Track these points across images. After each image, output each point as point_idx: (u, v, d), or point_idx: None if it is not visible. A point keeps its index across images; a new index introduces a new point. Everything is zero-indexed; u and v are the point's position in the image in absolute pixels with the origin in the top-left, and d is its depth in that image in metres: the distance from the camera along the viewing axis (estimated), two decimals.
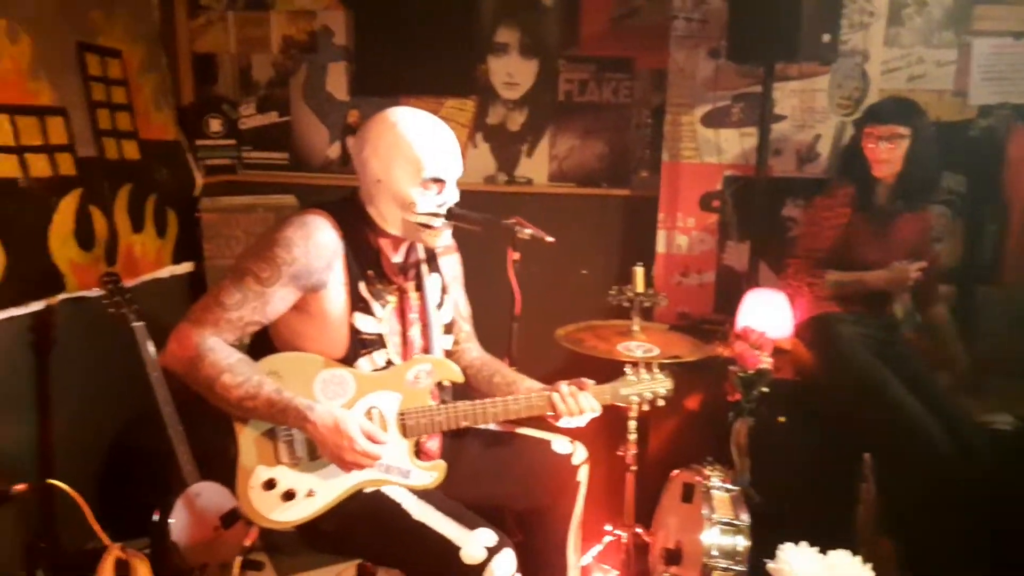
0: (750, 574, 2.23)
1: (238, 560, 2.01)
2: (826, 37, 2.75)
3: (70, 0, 2.86)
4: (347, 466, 1.75)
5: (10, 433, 2.53)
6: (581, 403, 1.89)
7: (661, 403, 2.01)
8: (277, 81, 3.67)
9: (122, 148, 3.12)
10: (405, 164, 1.80)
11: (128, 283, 2.72)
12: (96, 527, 1.78)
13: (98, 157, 2.97)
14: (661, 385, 1.99)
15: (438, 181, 1.84)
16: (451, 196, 1.87)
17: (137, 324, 2.64)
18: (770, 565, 2.05)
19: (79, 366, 2.80)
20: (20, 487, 1.64)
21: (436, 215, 1.84)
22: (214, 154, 3.69)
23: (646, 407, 2.02)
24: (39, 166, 2.68)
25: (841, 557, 2.03)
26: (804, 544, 2.04)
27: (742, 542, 2.25)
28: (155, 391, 2.62)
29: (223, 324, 1.72)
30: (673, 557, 2.39)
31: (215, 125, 3.68)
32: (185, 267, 3.48)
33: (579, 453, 2.06)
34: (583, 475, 2.05)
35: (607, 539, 2.70)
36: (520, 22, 3.46)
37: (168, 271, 3.39)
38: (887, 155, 2.66)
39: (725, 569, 2.21)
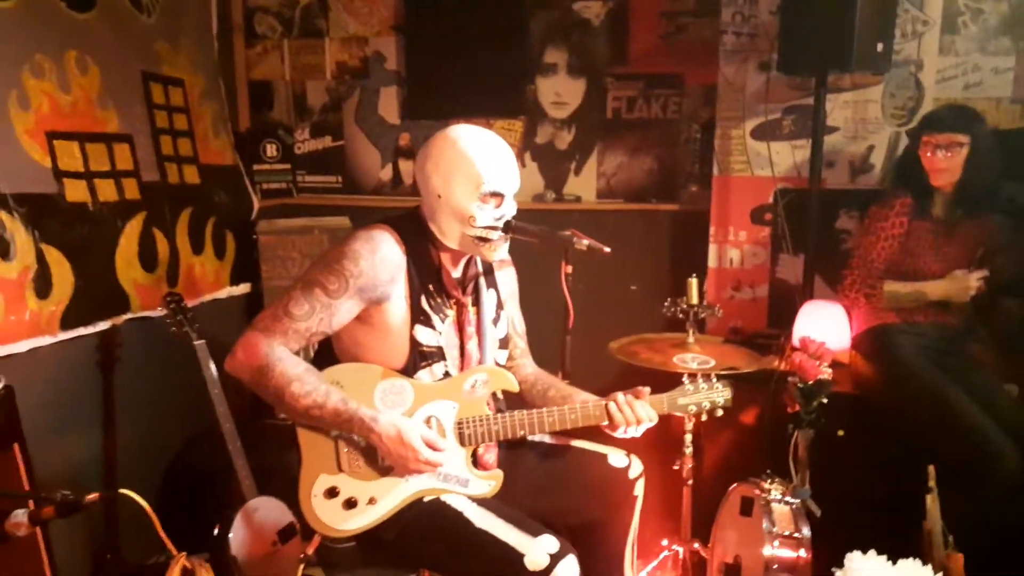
0: None
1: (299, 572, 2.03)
2: (879, 46, 2.72)
3: (137, 32, 2.98)
4: (409, 473, 1.77)
5: (77, 447, 2.61)
6: (638, 412, 1.88)
7: (720, 413, 1.99)
8: (331, 106, 3.77)
9: (183, 173, 3.22)
10: (465, 179, 1.84)
11: (189, 303, 2.79)
12: (163, 536, 1.81)
13: (161, 182, 3.07)
14: (719, 395, 1.98)
15: (496, 195, 1.86)
16: (509, 210, 1.89)
17: (198, 343, 2.70)
18: (838, 574, 2.00)
19: (142, 384, 2.88)
20: (92, 497, 1.67)
21: (494, 228, 1.87)
22: (270, 178, 3.79)
23: (704, 417, 2.00)
24: (106, 191, 2.78)
25: (911, 566, 1.97)
26: (872, 553, 1.99)
27: (804, 555, 2.20)
28: (215, 408, 2.68)
29: (291, 334, 1.76)
30: (732, 571, 2.35)
31: (271, 150, 3.78)
32: (243, 288, 3.56)
33: (635, 467, 2.04)
34: (639, 489, 2.04)
35: (664, 554, 2.67)
36: (568, 42, 3.51)
37: (226, 292, 3.47)
38: (945, 163, 2.61)
39: None
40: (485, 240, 1.88)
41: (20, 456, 2.00)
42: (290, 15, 3.71)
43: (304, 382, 1.73)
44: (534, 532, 1.73)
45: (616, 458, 2.04)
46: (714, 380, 1.98)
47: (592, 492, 1.99)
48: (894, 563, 2.00)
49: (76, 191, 2.65)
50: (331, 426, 1.78)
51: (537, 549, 1.69)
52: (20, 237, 2.40)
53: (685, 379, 1.98)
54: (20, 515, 1.73)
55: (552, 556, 1.68)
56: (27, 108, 2.47)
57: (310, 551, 1.93)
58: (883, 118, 3.10)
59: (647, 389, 1.92)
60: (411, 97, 3.68)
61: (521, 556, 1.69)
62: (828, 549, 2.24)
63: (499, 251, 1.92)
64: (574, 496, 2.00)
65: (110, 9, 2.82)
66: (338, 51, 3.72)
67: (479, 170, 1.83)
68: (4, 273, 2.34)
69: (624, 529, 2.02)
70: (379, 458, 1.82)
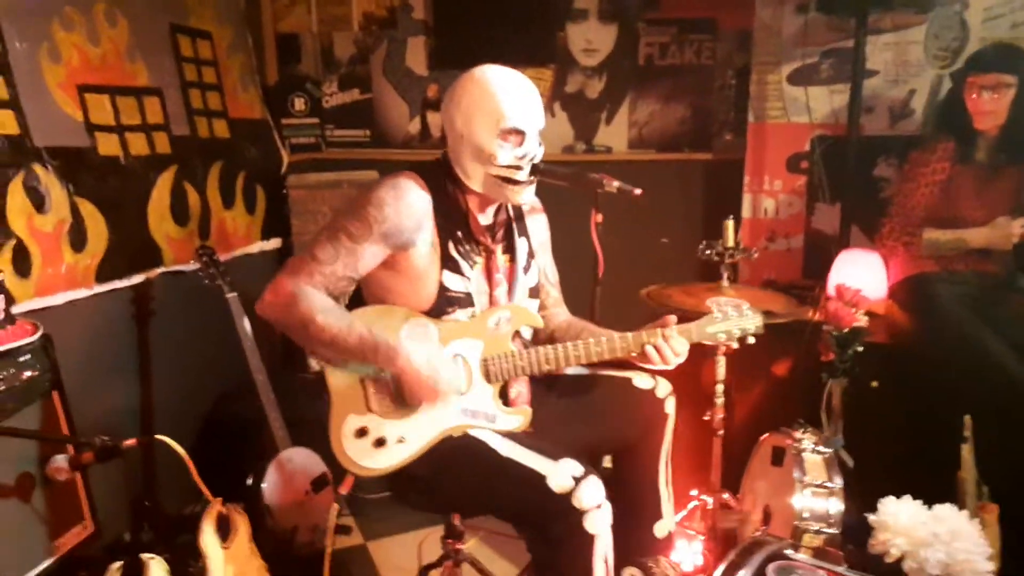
0: (843, 537, 2.16)
1: (333, 517, 2.06)
2: None
3: None
4: (431, 401, 1.79)
5: (114, 398, 2.66)
6: (675, 347, 1.85)
7: (751, 340, 1.94)
8: (358, 58, 3.73)
9: (213, 127, 3.23)
10: (485, 115, 1.83)
11: (220, 257, 2.81)
12: (200, 482, 1.85)
13: (191, 135, 3.08)
14: (750, 322, 1.92)
15: (518, 132, 1.84)
16: (532, 149, 1.86)
17: (231, 295, 2.74)
18: (872, 518, 1.98)
19: (176, 336, 2.92)
20: (129, 442, 1.71)
21: (516, 167, 1.84)
22: (299, 132, 3.78)
23: (735, 345, 1.95)
24: (138, 145, 2.80)
25: (947, 510, 1.95)
26: (907, 497, 1.97)
27: (835, 505, 2.18)
28: (248, 360, 2.71)
29: (317, 276, 1.78)
30: (762, 520, 2.34)
31: (299, 104, 3.77)
32: (274, 243, 3.59)
33: (663, 386, 2.04)
34: (670, 407, 2.03)
35: (693, 504, 2.67)
36: None
37: (258, 246, 3.50)
38: (991, 106, 2.53)
39: (817, 532, 2.14)
40: (508, 180, 1.86)
41: (59, 403, 2.04)
42: None
43: (329, 313, 1.76)
44: (556, 456, 1.75)
45: (641, 380, 2.03)
46: (744, 307, 1.93)
47: (623, 416, 2.00)
48: (930, 507, 1.97)
49: (108, 145, 2.66)
50: (357, 355, 1.78)
51: (560, 472, 1.71)
52: (55, 190, 2.43)
53: (713, 306, 1.93)
54: (60, 460, 1.78)
55: (575, 478, 1.70)
56: (58, 61, 2.48)
57: (344, 490, 1.94)
58: (925, 60, 2.99)
59: (674, 317, 1.89)
60: (439, 47, 3.63)
61: (544, 478, 1.71)
62: (860, 500, 2.22)
63: (523, 193, 1.90)
64: (606, 422, 2.00)
65: None
66: (365, 1, 3.67)
67: (499, 106, 1.82)
68: (40, 226, 2.37)
69: (657, 448, 2.03)
70: (406, 396, 1.83)
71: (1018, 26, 2.88)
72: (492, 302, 1.94)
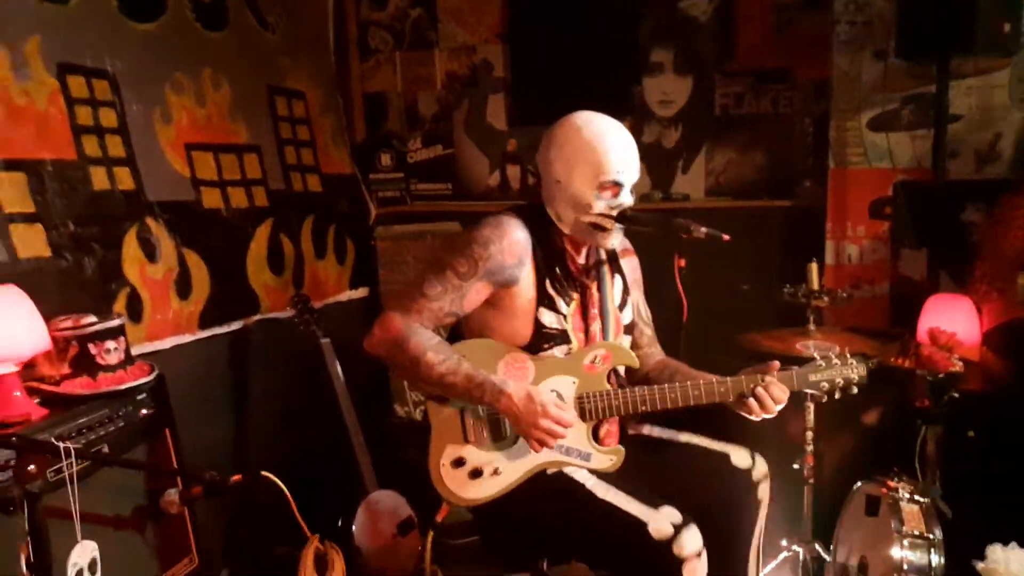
0: None
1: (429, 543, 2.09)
2: (1006, 27, 2.60)
3: (262, 48, 3.17)
4: (537, 436, 1.78)
5: (213, 438, 2.78)
6: (773, 393, 1.82)
7: (854, 391, 1.90)
8: (441, 115, 3.87)
9: (307, 181, 3.39)
10: (586, 166, 1.86)
11: (313, 305, 2.93)
12: (299, 518, 1.92)
13: (286, 189, 3.25)
14: (854, 371, 1.89)
15: (616, 185, 1.88)
16: (626, 200, 1.91)
17: (324, 340, 2.84)
18: (980, 565, 1.91)
19: (272, 380, 3.04)
20: (236, 478, 1.79)
21: (608, 216, 1.89)
22: (385, 186, 3.93)
23: (837, 395, 1.91)
24: (238, 198, 2.97)
25: None
26: (1014, 544, 1.90)
27: (936, 558, 2.11)
28: (339, 403, 2.80)
29: (425, 312, 1.83)
30: (860, 573, 2.27)
31: (386, 159, 3.92)
32: (361, 292, 3.72)
33: (759, 467, 1.99)
34: (764, 492, 1.98)
35: (783, 555, 2.61)
36: (674, 41, 3.49)
37: (347, 295, 3.62)
38: None
39: None
40: (599, 228, 1.90)
41: (171, 441, 2.15)
42: (401, 28, 3.84)
43: (438, 351, 1.80)
44: (656, 504, 1.75)
45: (739, 457, 2.00)
46: (848, 356, 1.90)
47: (713, 493, 1.94)
48: None
49: (211, 198, 2.83)
50: (462, 393, 1.81)
51: (661, 519, 1.71)
52: (164, 241, 2.59)
53: (816, 354, 1.90)
54: (173, 494, 1.88)
55: (676, 526, 1.70)
56: (169, 122, 2.67)
57: (439, 519, 1.98)
58: (1011, 103, 2.95)
59: (777, 363, 1.87)
60: (518, 103, 3.74)
61: (644, 525, 1.70)
62: (959, 552, 2.15)
63: (612, 239, 1.94)
64: (692, 496, 1.91)
65: (239, 28, 3.02)
66: (447, 61, 3.82)
67: (601, 159, 1.85)
68: (152, 274, 2.53)
69: (748, 534, 1.96)
70: (504, 430, 1.86)
71: None
72: (588, 339, 1.96)
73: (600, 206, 1.88)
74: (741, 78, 3.44)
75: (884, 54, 3.05)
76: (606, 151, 1.86)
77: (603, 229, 1.90)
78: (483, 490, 1.87)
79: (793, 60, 3.34)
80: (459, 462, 1.88)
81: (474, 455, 1.88)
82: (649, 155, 3.61)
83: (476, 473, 1.87)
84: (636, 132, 3.57)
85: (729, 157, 3.51)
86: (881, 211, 3.17)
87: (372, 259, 3.64)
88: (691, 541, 1.70)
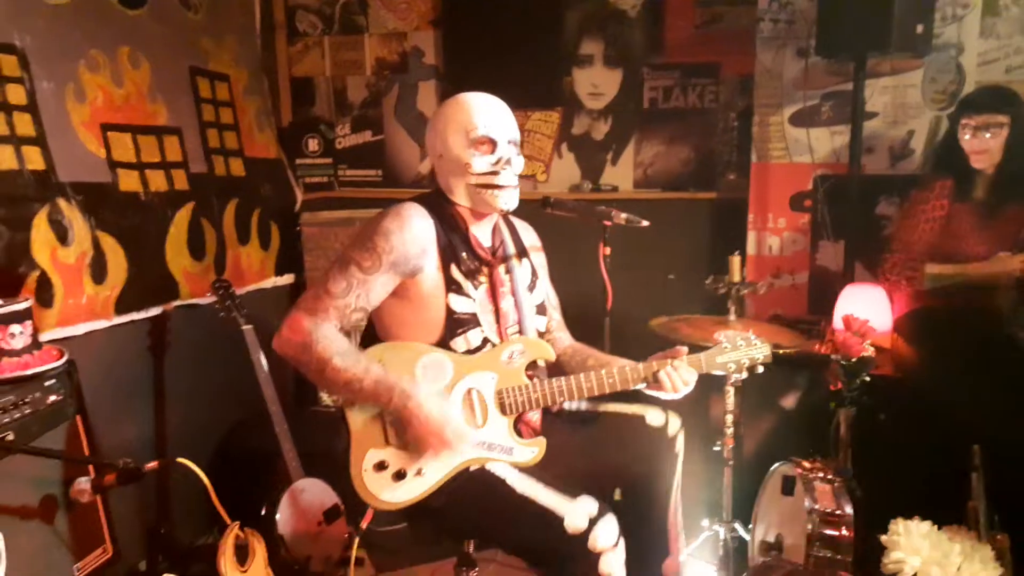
0: (854, 566, 2.17)
1: (354, 550, 2.08)
2: (919, 28, 2.71)
3: (184, 28, 3.08)
4: (434, 448, 1.80)
5: (131, 426, 2.71)
6: (683, 376, 1.89)
7: (760, 370, 1.98)
8: (370, 101, 3.83)
9: (229, 165, 3.31)
10: (456, 129, 1.92)
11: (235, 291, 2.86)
12: (219, 506, 1.88)
13: (208, 173, 3.17)
14: (759, 351, 1.96)
15: (488, 140, 1.92)
16: (504, 154, 1.92)
17: (246, 327, 2.77)
18: (884, 538, 2.00)
19: (191, 367, 2.97)
20: (151, 465, 1.74)
21: (493, 173, 1.91)
22: (312, 172, 3.87)
23: (744, 375, 1.98)
24: (157, 181, 2.88)
25: (957, 531, 1.96)
26: (917, 519, 1.99)
27: (846, 533, 2.20)
28: (263, 391, 2.74)
29: (332, 311, 1.81)
30: (773, 550, 2.35)
31: (313, 144, 3.86)
32: (287, 278, 3.65)
33: (673, 423, 2.07)
34: (679, 446, 2.06)
35: (704, 535, 2.68)
36: (604, 34, 3.53)
37: (271, 282, 3.56)
38: (985, 145, 2.60)
39: (830, 560, 2.16)
40: (488, 187, 1.92)
41: (82, 428, 2.08)
42: (330, 12, 3.78)
43: (345, 356, 1.78)
44: (573, 495, 1.77)
45: (653, 416, 2.06)
46: (752, 337, 1.97)
47: (632, 452, 2.01)
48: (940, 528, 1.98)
49: (129, 181, 2.74)
50: (371, 399, 1.80)
51: (577, 512, 1.73)
52: (78, 224, 2.50)
53: (721, 337, 1.97)
54: (84, 482, 1.81)
55: (591, 519, 1.72)
56: (83, 100, 2.57)
57: (364, 524, 1.96)
58: (923, 103, 3.08)
59: (685, 348, 1.94)
60: (449, 91, 3.71)
61: (561, 520, 1.73)
62: (869, 528, 2.24)
63: (503, 198, 1.93)
64: (615, 458, 2.01)
65: (160, 6, 2.93)
66: (377, 47, 3.78)
67: (467, 116, 1.92)
68: (63, 258, 2.44)
69: (667, 488, 2.04)
70: (415, 440, 1.83)
71: (1013, 70, 2.97)
72: (499, 318, 1.97)
73: (479, 164, 1.91)
74: (669, 72, 3.50)
75: (805, 52, 3.15)
76: (471, 110, 1.93)
77: (492, 187, 1.92)
78: (408, 492, 1.86)
79: (719, 55, 3.42)
80: (381, 465, 1.85)
81: (396, 457, 1.86)
82: (579, 146, 3.65)
83: (400, 475, 1.85)
84: (567, 123, 3.63)
85: (657, 150, 3.57)
86: (801, 204, 3.27)
87: (298, 245, 3.58)
88: (606, 534, 1.73)
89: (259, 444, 2.83)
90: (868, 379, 2.23)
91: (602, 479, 1.96)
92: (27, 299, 2.08)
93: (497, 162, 1.92)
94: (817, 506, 2.23)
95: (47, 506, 1.92)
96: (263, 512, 2.63)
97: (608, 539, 1.72)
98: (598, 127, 3.63)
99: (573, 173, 3.67)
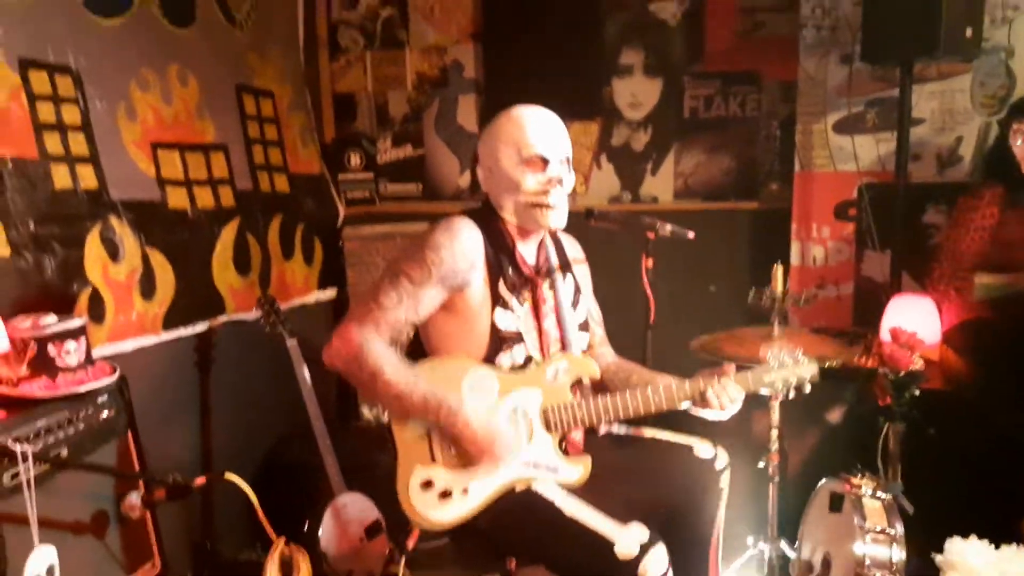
0: None
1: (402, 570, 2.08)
2: (968, 32, 2.66)
3: (230, 45, 3.13)
4: (487, 462, 1.81)
5: (177, 441, 2.74)
6: (731, 394, 1.86)
7: (807, 389, 1.94)
8: (411, 116, 3.87)
9: (274, 181, 3.36)
10: (509, 147, 1.91)
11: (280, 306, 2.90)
12: (264, 521, 1.89)
13: (253, 190, 3.21)
14: (806, 370, 1.92)
15: (541, 159, 1.90)
16: (560, 175, 1.91)
17: (291, 342, 2.81)
18: (939, 558, 1.94)
19: (237, 382, 3.00)
20: (200, 480, 1.76)
21: (544, 192, 1.90)
22: (354, 187, 3.91)
23: (792, 394, 1.95)
24: (204, 198, 2.93)
25: (1013, 551, 1.90)
26: (973, 538, 1.93)
27: (897, 553, 2.15)
28: (306, 406, 2.77)
29: (382, 323, 1.82)
30: (821, 569, 2.30)
31: (355, 159, 3.91)
32: (329, 293, 3.69)
33: (721, 458, 2.02)
34: (725, 481, 2.02)
35: (749, 553, 2.63)
36: (644, 43, 3.52)
37: (314, 296, 3.59)
38: None
39: None
40: (537, 206, 1.91)
41: (133, 444, 2.12)
42: (372, 28, 3.83)
43: (395, 369, 1.79)
44: (623, 520, 1.75)
45: (702, 449, 2.03)
46: (799, 355, 1.93)
47: (677, 483, 1.97)
48: (997, 547, 1.93)
49: (177, 198, 2.79)
50: (420, 413, 1.81)
51: (628, 538, 1.71)
52: (128, 241, 2.55)
53: (768, 355, 1.93)
54: (134, 497, 1.84)
55: (642, 546, 1.70)
56: (134, 119, 2.63)
57: (410, 545, 1.96)
58: (972, 108, 3.01)
59: (732, 366, 1.92)
60: (488, 104, 3.74)
61: (611, 545, 1.70)
62: (921, 547, 2.18)
63: (554, 216, 1.93)
64: (659, 487, 1.97)
65: (207, 24, 2.97)
66: (418, 61, 3.82)
67: (521, 135, 1.90)
68: (114, 275, 2.49)
69: (710, 522, 1.99)
70: (466, 455, 1.84)
71: None
72: (542, 336, 1.96)
73: (530, 183, 1.90)
74: (710, 81, 3.48)
75: (849, 58, 3.11)
76: (524, 127, 1.90)
77: (541, 206, 1.91)
78: (454, 511, 1.85)
79: (760, 63, 3.38)
80: (428, 484, 1.85)
81: (443, 475, 1.85)
82: (618, 157, 3.64)
83: (446, 494, 1.85)
84: (606, 134, 3.62)
85: (698, 160, 3.54)
86: (846, 213, 3.22)
87: (340, 260, 3.61)
88: (657, 563, 1.70)
89: (302, 458, 2.86)
90: (917, 393, 2.17)
91: (644, 506, 1.90)
92: (81, 316, 2.13)
93: (548, 181, 1.91)
94: (867, 524, 2.17)
95: (99, 521, 1.95)
96: (306, 527, 2.65)
97: (659, 568, 1.70)
98: (638, 137, 3.61)
99: (613, 184, 3.65)
